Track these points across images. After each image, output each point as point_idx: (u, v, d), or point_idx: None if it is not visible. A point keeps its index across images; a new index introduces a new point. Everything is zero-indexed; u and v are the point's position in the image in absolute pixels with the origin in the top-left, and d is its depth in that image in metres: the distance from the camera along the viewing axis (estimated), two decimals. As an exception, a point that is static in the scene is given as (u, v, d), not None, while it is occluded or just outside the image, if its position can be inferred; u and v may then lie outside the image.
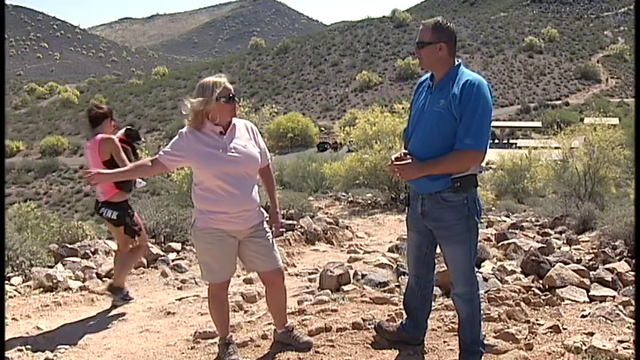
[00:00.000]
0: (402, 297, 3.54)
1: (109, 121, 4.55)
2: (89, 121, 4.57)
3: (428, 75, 3.09)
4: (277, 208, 3.40)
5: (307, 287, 5.12)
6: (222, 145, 3.08)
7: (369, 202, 14.42)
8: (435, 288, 4.23)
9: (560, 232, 8.42)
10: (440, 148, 2.88)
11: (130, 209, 4.70)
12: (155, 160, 3.15)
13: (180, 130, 3.16)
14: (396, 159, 2.97)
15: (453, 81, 2.88)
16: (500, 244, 6.92)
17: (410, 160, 2.92)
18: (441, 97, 2.90)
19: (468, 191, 2.93)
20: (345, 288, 4.71)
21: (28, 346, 3.81)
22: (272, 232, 3.31)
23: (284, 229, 7.93)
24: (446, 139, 2.87)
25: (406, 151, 3.01)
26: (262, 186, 3.47)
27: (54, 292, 5.12)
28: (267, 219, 3.33)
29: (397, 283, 4.86)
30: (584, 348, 3.14)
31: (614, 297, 4.29)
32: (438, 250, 3.22)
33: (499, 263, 5.65)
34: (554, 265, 4.79)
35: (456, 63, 2.96)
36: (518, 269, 5.16)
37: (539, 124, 49.29)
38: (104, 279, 5.64)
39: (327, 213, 12.09)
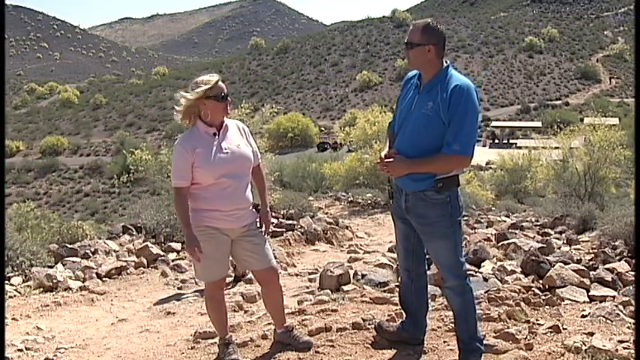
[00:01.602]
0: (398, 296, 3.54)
1: None
2: None
3: (416, 72, 3.10)
4: (267, 207, 3.41)
5: (307, 287, 5.13)
6: (216, 146, 3.12)
7: (369, 202, 14.42)
8: (434, 288, 4.24)
9: (560, 232, 8.43)
10: (426, 149, 2.92)
11: None
12: (177, 191, 3.15)
13: (175, 146, 3.17)
14: (385, 156, 3.00)
15: (442, 83, 2.90)
16: (500, 244, 6.92)
17: (395, 158, 2.95)
18: (429, 100, 2.92)
19: (450, 190, 2.97)
20: (345, 288, 4.71)
21: (28, 346, 3.81)
22: (263, 231, 3.33)
23: (284, 229, 7.94)
24: (432, 141, 2.90)
25: (394, 150, 3.03)
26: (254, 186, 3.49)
27: (54, 292, 5.13)
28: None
29: (397, 283, 4.85)
30: (584, 348, 3.14)
31: (614, 297, 4.29)
32: None
33: (499, 263, 5.66)
34: (554, 265, 4.79)
35: (445, 65, 2.96)
36: (518, 269, 5.16)
37: (539, 124, 49.18)
38: (104, 279, 5.65)
39: (327, 213, 12.10)
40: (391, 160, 2.97)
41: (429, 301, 3.49)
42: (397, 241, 3.35)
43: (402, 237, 3.26)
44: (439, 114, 2.86)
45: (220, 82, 3.12)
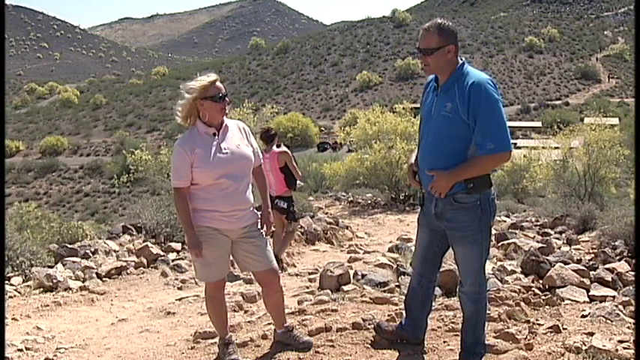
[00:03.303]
0: (403, 297, 3.53)
1: (277, 139, 6.35)
2: (266, 138, 6.26)
3: (433, 76, 3.06)
4: (269, 208, 3.42)
5: (307, 287, 5.12)
6: (215, 146, 3.11)
7: (369, 202, 14.43)
8: (435, 288, 4.23)
9: (560, 232, 8.43)
10: (450, 152, 2.87)
11: (293, 201, 6.42)
12: (177, 192, 3.14)
13: (175, 147, 3.16)
14: (414, 170, 3.08)
15: (459, 82, 2.85)
16: (500, 244, 6.92)
17: (435, 176, 2.90)
18: (447, 100, 2.87)
19: (482, 192, 2.91)
20: (345, 288, 4.71)
21: (28, 346, 3.81)
22: (263, 232, 3.32)
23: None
24: (455, 143, 2.86)
25: (413, 163, 3.08)
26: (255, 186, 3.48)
27: (54, 292, 5.12)
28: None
29: (397, 283, 4.86)
30: (584, 348, 3.14)
31: (614, 297, 4.29)
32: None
33: (499, 263, 5.66)
34: (554, 265, 4.80)
35: (460, 62, 2.91)
36: (518, 269, 5.16)
37: (539, 124, 49.23)
38: (104, 279, 5.65)
39: (327, 213, 12.10)
40: (433, 180, 2.91)
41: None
42: (417, 248, 3.32)
43: (423, 246, 3.22)
44: (459, 113, 2.80)
45: (218, 83, 3.09)
